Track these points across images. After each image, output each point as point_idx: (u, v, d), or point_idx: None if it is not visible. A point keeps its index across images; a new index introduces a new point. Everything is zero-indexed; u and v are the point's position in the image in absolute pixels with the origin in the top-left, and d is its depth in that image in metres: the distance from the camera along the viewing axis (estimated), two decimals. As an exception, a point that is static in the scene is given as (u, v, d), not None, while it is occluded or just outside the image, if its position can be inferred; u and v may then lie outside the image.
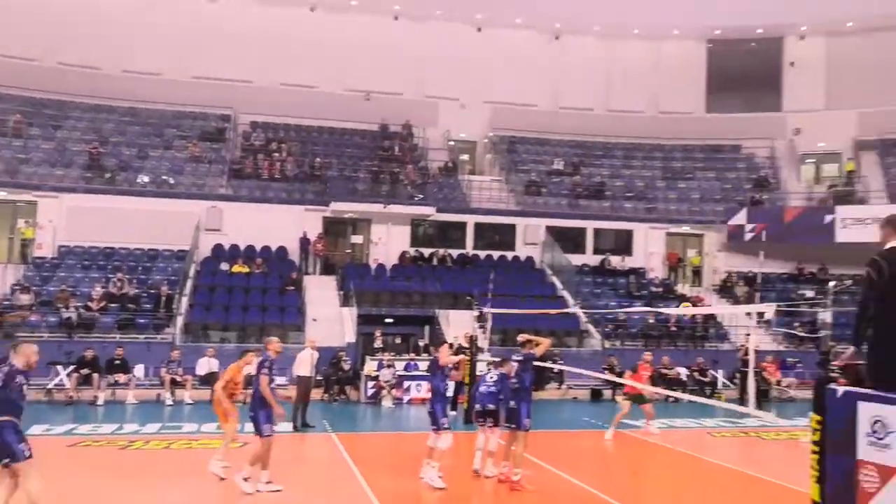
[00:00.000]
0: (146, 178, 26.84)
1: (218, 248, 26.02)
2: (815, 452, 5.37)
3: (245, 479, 9.56)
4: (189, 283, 24.10)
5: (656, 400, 16.06)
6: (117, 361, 18.66)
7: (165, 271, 24.38)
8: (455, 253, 28.05)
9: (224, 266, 25.15)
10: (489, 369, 11.86)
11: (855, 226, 27.66)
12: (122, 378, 18.64)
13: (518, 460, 10.11)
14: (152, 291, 22.62)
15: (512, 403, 10.31)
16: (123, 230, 24.78)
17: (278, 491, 9.62)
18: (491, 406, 10.76)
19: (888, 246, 5.43)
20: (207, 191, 27.07)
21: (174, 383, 18.72)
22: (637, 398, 14.77)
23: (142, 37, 30.48)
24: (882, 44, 32.79)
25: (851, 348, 5.55)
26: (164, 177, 27.16)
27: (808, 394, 10.81)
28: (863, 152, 32.78)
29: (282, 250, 26.66)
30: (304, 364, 15.36)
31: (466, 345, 17.74)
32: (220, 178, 27.97)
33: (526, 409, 10.16)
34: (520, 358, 10.85)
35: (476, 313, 22.56)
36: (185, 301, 23.09)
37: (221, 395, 10.58)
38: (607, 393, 21.60)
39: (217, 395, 10.80)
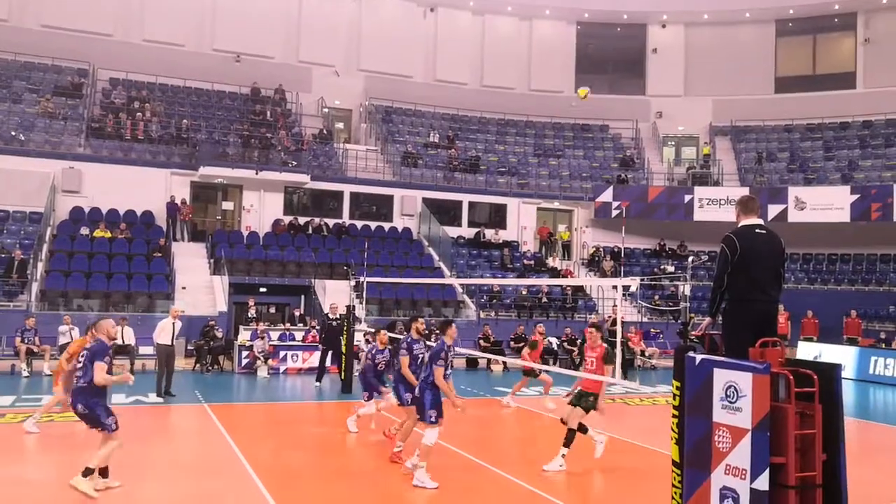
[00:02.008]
0: (-8, 134, 24.62)
1: (77, 211, 24.31)
2: (674, 416, 5.71)
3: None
4: (45, 248, 22.40)
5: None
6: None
7: (17, 234, 22.54)
8: (331, 222, 27.64)
9: (84, 230, 23.53)
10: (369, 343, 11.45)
11: (711, 205, 29.60)
12: (-32, 348, 17.14)
13: (405, 434, 9.74)
14: (3, 255, 20.86)
15: (416, 393, 9.22)
16: (-35, 188, 22.67)
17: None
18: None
19: (741, 224, 5.82)
20: (63, 149, 25.18)
21: (30, 353, 17.39)
22: (531, 372, 14.96)
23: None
24: (734, 37, 35.14)
25: (707, 319, 5.90)
26: (12, 132, 24.99)
27: (669, 362, 11.48)
28: (717, 137, 35.02)
29: (147, 215, 25.27)
30: (165, 332, 14.90)
31: (333, 316, 17.70)
32: (77, 137, 26.07)
33: (430, 400, 8.92)
34: (423, 350, 10.01)
35: (353, 283, 22.38)
36: (40, 266, 21.45)
37: (64, 365, 10.02)
38: (482, 362, 22.04)
39: (60, 365, 10.48)
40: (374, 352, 11.91)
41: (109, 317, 10.87)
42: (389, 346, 12.23)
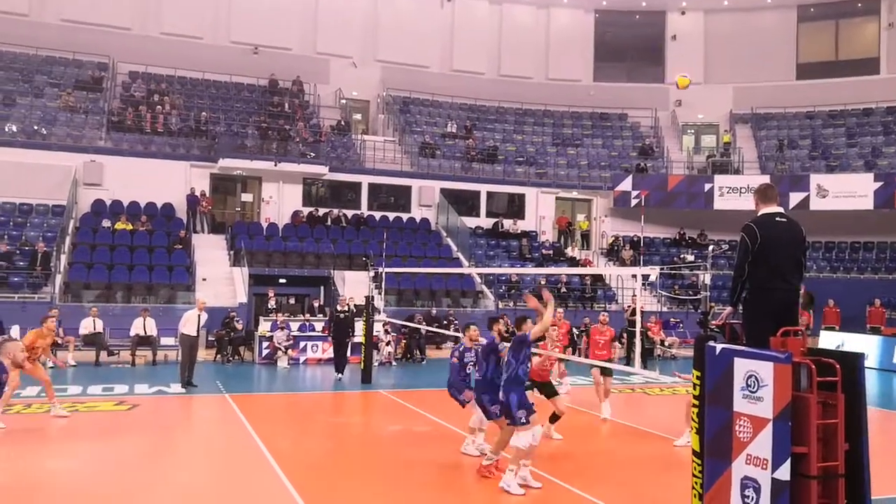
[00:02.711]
0: (14, 128, 24.87)
1: (98, 204, 24.54)
2: (695, 406, 5.68)
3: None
4: (68, 241, 22.66)
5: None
6: (-11, 321, 17.37)
7: (41, 227, 22.80)
8: (349, 213, 27.70)
9: (106, 223, 23.78)
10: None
11: (731, 194, 29.33)
12: (-6, 340, 17.37)
13: (500, 446, 8.65)
14: (27, 248, 21.13)
15: (501, 396, 8.40)
16: (-10, 182, 22.96)
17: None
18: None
19: (761, 213, 5.77)
20: (85, 143, 25.40)
21: (55, 344, 17.58)
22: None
23: (5, -27, 28.04)
24: (755, 23, 34.72)
25: (728, 308, 5.87)
26: (35, 127, 25.26)
27: (689, 352, 11.40)
28: (738, 125, 34.68)
29: (168, 207, 25.46)
30: (191, 323, 15.00)
31: (341, 308, 17.56)
32: (98, 130, 26.27)
33: (517, 400, 8.18)
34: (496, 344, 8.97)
35: (372, 274, 22.43)
36: (63, 259, 21.71)
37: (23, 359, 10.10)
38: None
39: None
40: (461, 350, 9.62)
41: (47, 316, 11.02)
42: (478, 345, 9.67)
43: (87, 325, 18.40)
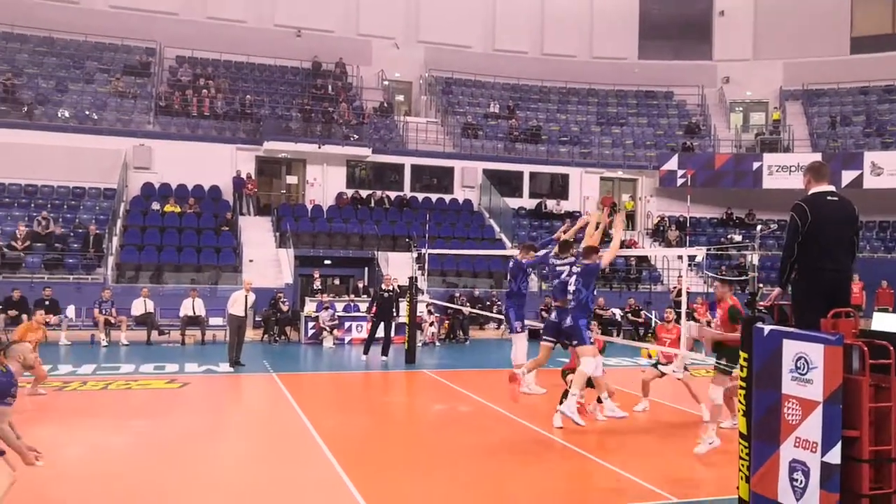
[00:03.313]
0: (67, 113, 25.48)
1: (148, 187, 25.08)
2: (742, 388, 5.60)
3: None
4: (119, 223, 23.22)
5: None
6: (46, 302, 17.88)
7: (93, 210, 23.37)
8: (393, 195, 27.82)
9: (155, 205, 24.28)
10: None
11: (780, 173, 28.69)
12: (52, 319, 17.87)
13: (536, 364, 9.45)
14: (80, 231, 21.72)
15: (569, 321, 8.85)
16: (45, 167, 23.63)
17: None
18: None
19: (811, 192, 5.63)
20: (134, 127, 25.92)
21: (108, 324, 18.12)
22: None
23: (56, -39, 28.62)
24: (807, -4, 33.70)
25: (777, 289, 5.75)
26: (86, 112, 25.84)
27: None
28: (788, 102, 33.82)
29: (214, 190, 25.89)
30: (238, 304, 15.16)
31: (386, 287, 17.46)
32: (146, 115, 26.78)
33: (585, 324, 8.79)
34: (577, 269, 9.15)
35: (415, 255, 22.54)
36: (115, 241, 22.26)
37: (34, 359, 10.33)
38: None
39: None
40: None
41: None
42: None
43: (139, 306, 18.86)
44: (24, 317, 16.62)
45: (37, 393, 11.46)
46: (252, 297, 15.63)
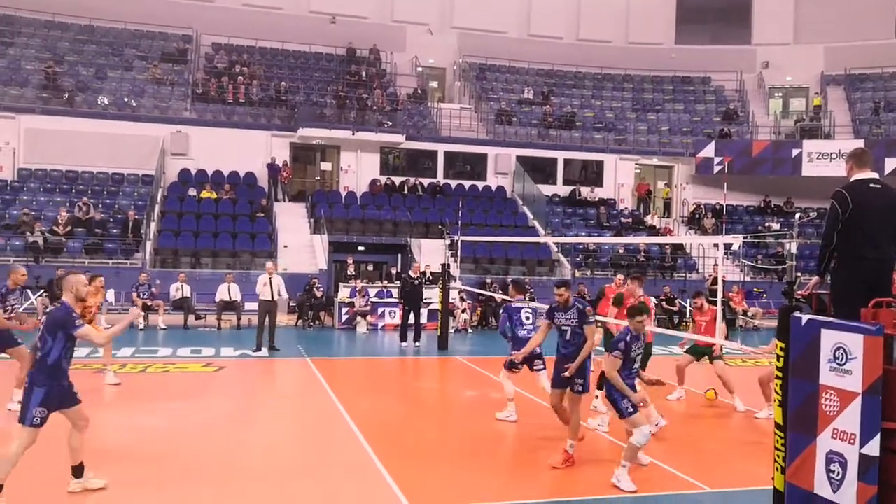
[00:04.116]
0: (106, 100, 25.89)
1: (185, 173, 25.43)
2: (778, 378, 5.51)
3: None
4: (157, 209, 23.59)
5: None
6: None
7: (131, 196, 23.80)
8: (426, 182, 27.84)
9: (192, 191, 24.62)
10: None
11: (821, 160, 28.15)
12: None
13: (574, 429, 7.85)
14: (119, 216, 22.13)
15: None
16: (86, 153, 24.11)
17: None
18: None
19: (853, 179, 5.50)
20: (171, 114, 26.26)
21: (146, 308, 18.44)
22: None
23: (95, -50, 28.99)
24: (850, -22, 32.87)
25: (816, 278, 5.64)
26: (125, 99, 26.23)
27: (772, 323, 10.97)
28: (830, 87, 33.10)
29: (250, 176, 26.16)
30: (265, 289, 15.19)
31: (414, 275, 17.44)
32: (183, 102, 27.11)
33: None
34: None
35: (447, 242, 22.54)
36: (153, 226, 22.64)
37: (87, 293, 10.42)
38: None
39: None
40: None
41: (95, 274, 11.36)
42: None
43: (176, 290, 19.17)
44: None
45: (104, 370, 11.57)
46: (278, 281, 15.50)
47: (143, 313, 8.43)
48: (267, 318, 15.21)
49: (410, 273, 17.90)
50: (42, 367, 6.15)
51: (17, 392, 8.95)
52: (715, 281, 17.02)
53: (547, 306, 8.33)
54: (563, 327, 7.87)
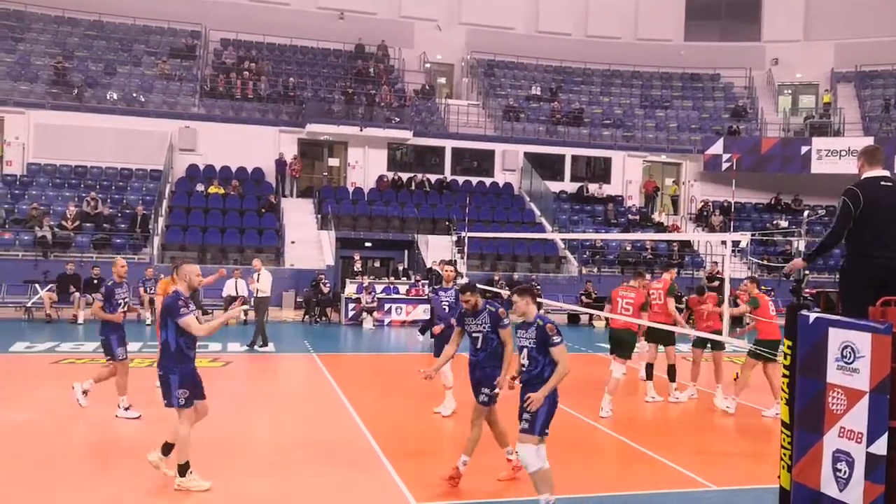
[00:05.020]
0: (115, 96, 25.97)
1: (192, 169, 25.48)
2: (785, 376, 5.48)
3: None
4: (164, 204, 23.65)
5: None
6: (95, 280, 18.32)
7: (140, 191, 23.87)
8: (433, 178, 27.83)
9: (199, 187, 24.67)
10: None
11: (830, 157, 28.01)
12: (100, 297, 18.36)
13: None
14: (127, 211, 22.20)
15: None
16: (94, 148, 24.19)
17: None
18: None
19: (864, 176, 5.45)
20: (180, 109, 26.33)
21: (152, 303, 18.46)
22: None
23: (104, -55, 29.06)
24: (861, -25, 32.65)
25: (799, 260, 5.61)
26: (134, 94, 26.30)
27: (779, 321, 10.88)
28: (840, 84, 32.92)
29: (258, 172, 26.20)
30: (260, 283, 15.32)
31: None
32: (191, 97, 27.16)
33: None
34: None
35: (454, 238, 22.59)
36: (161, 221, 22.70)
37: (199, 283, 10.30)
38: (584, 318, 21.91)
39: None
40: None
41: (202, 268, 11.06)
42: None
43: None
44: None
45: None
46: (266, 276, 15.45)
47: (245, 308, 8.15)
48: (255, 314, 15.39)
49: (437, 268, 17.97)
50: (167, 353, 6.49)
51: (123, 399, 9.05)
52: (711, 278, 16.88)
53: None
54: (475, 334, 7.05)
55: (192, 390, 6.50)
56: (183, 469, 6.47)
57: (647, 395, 11.08)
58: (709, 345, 11.18)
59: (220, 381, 11.82)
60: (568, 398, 10.65)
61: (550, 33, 34.11)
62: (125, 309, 9.23)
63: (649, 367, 11.23)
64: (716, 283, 14.95)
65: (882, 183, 5.38)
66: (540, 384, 5.97)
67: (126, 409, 9.01)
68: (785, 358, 5.52)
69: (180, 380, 6.42)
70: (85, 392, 9.15)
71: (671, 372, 11.03)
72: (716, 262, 20.95)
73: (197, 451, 7.71)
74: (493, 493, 6.76)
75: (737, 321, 11.78)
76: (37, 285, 18.34)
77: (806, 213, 25.12)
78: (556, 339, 5.97)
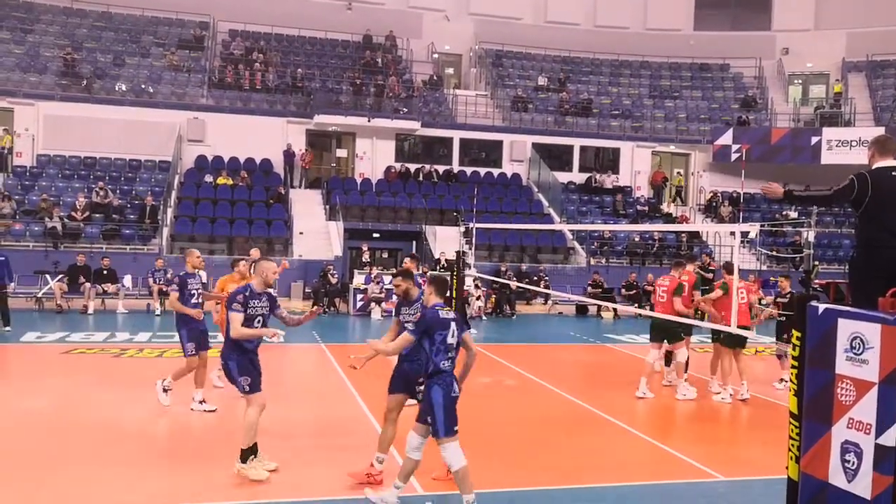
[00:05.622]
0: (124, 87, 26.02)
1: (201, 160, 25.54)
2: (793, 367, 5.48)
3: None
4: (173, 195, 23.73)
5: None
6: (105, 271, 18.45)
7: (149, 182, 23.95)
8: (441, 169, 27.82)
9: (208, 178, 24.74)
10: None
11: (840, 147, 27.82)
12: (110, 288, 18.50)
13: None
14: (136, 202, 22.29)
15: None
16: (103, 139, 24.27)
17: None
18: None
19: (875, 166, 5.41)
20: (188, 100, 26.38)
21: (162, 293, 18.57)
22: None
23: (113, -65, 29.08)
24: (873, -38, 32.32)
25: (781, 190, 5.50)
26: (142, 85, 26.34)
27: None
28: (851, 74, 32.67)
29: (266, 163, 26.25)
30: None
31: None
32: (200, 88, 27.20)
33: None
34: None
35: (462, 229, 22.58)
36: (170, 212, 22.78)
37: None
38: (592, 309, 21.89)
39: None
40: None
41: (236, 259, 11.07)
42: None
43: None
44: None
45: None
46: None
47: (281, 333, 7.81)
48: None
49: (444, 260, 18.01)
50: (227, 341, 6.71)
51: (198, 392, 9.00)
52: (706, 269, 16.62)
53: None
54: (408, 324, 6.53)
55: (253, 378, 6.63)
56: (245, 455, 6.51)
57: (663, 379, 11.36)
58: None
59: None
60: (574, 387, 10.71)
61: (559, 23, 33.95)
62: (199, 300, 9.10)
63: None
64: (710, 276, 14.99)
65: (893, 173, 5.34)
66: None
67: (200, 402, 8.97)
68: (794, 349, 5.52)
69: (239, 368, 6.59)
70: (166, 390, 9.02)
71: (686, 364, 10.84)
72: (707, 253, 20.57)
73: (203, 441, 7.77)
74: (504, 483, 6.77)
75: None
76: (47, 276, 18.45)
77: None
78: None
